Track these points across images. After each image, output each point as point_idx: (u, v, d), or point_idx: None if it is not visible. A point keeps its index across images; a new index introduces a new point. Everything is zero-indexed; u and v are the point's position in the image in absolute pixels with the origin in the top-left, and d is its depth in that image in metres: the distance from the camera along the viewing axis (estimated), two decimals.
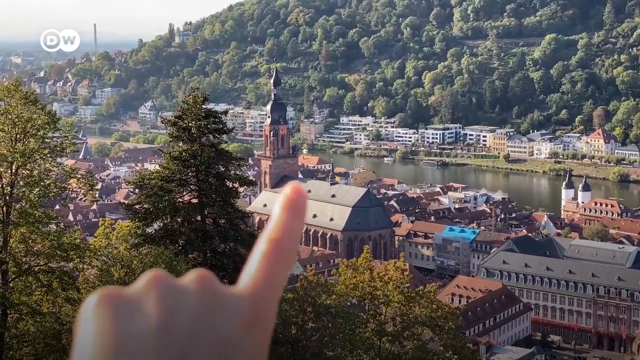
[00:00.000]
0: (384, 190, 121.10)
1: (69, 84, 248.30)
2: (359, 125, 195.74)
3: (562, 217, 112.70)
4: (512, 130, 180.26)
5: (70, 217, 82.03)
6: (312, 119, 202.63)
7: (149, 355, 0.67)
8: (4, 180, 20.20)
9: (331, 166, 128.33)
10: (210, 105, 29.36)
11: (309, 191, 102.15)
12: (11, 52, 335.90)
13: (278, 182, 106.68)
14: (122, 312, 0.70)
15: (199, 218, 26.80)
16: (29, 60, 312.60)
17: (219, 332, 0.73)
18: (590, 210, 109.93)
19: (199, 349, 0.71)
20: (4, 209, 20.06)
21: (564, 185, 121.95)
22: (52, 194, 21.10)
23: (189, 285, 0.75)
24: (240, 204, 37.84)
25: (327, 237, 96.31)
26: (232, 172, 27.90)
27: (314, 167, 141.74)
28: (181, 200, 27.00)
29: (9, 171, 20.22)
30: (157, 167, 28.97)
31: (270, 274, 0.79)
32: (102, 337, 0.67)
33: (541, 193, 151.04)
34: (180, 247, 26.41)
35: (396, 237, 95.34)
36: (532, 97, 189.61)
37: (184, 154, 26.45)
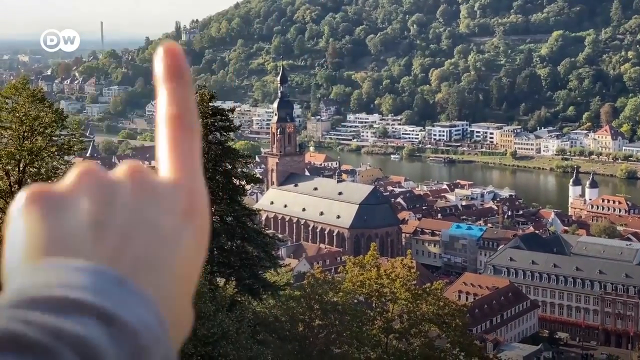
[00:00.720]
0: (391, 188, 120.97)
1: (76, 82, 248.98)
2: (365, 122, 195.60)
3: (569, 214, 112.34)
4: (519, 127, 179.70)
5: None
6: (318, 117, 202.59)
7: (83, 251, 0.63)
8: (11, 178, 20.27)
9: (338, 164, 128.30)
10: (217, 103, 29.41)
11: (316, 189, 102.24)
12: (18, 51, 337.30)
13: (285, 179, 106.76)
14: (52, 208, 0.65)
15: None
16: (36, 58, 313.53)
17: (156, 223, 0.68)
18: (597, 207, 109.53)
19: (135, 243, 0.66)
20: None
21: (571, 182, 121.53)
22: None
23: (121, 177, 0.70)
24: (247, 201, 37.86)
25: (334, 234, 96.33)
26: (239, 169, 27.93)
27: (321, 164, 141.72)
28: None
29: (17, 169, 20.29)
30: None
31: (187, 154, 0.73)
32: (32, 236, 0.63)
33: (548, 190, 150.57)
34: None
35: (403, 235, 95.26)
36: (539, 94, 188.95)
37: None
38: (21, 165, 20.31)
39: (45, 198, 0.66)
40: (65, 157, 21.84)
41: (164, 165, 0.73)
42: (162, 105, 0.74)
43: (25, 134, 20.65)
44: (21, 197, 0.66)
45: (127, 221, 0.67)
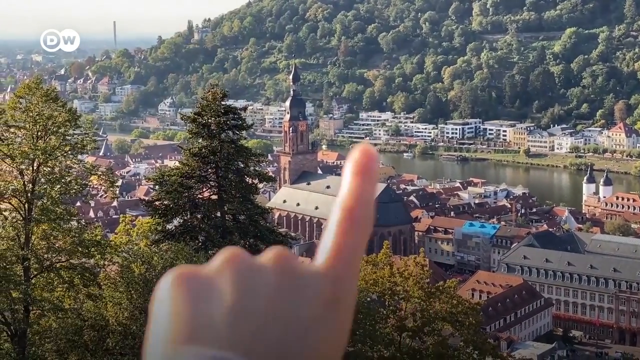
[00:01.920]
0: (404, 186, 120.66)
1: (89, 82, 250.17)
2: (378, 120, 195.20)
3: (583, 211, 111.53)
4: (533, 124, 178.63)
5: (91, 214, 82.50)
6: (331, 115, 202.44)
7: (223, 336, 0.65)
8: (25, 177, 20.36)
9: None
10: (230, 102, 29.46)
11: (328, 187, 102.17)
12: (32, 50, 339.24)
13: (297, 178, 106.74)
14: (197, 292, 0.67)
15: (218, 214, 26.86)
16: (50, 58, 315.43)
17: (297, 312, 0.69)
18: (611, 205, 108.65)
19: (275, 330, 0.67)
20: (26, 206, 20.24)
21: (585, 180, 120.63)
22: (73, 191, 21.27)
23: (266, 264, 0.72)
24: (260, 200, 37.84)
25: None
26: (252, 168, 27.91)
27: (333, 162, 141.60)
28: (201, 196, 27.08)
29: (31, 168, 20.38)
30: (177, 163, 29.10)
31: (348, 247, 0.73)
32: (176, 318, 0.65)
33: (562, 188, 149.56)
34: (200, 243, 26.46)
35: (416, 233, 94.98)
36: (553, 91, 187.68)
37: (203, 150, 26.50)
38: (35, 164, 20.41)
39: (192, 281, 0.68)
40: (79, 156, 21.94)
41: (322, 252, 0.74)
42: (341, 195, 0.75)
43: (39, 134, 20.74)
44: (168, 277, 0.68)
45: (267, 309, 0.67)
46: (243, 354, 0.64)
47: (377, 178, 0.77)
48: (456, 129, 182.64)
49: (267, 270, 0.70)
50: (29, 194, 20.22)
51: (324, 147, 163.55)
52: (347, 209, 0.74)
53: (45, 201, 20.45)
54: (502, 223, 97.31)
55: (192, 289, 0.67)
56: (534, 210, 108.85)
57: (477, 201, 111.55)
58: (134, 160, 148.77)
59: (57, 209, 20.40)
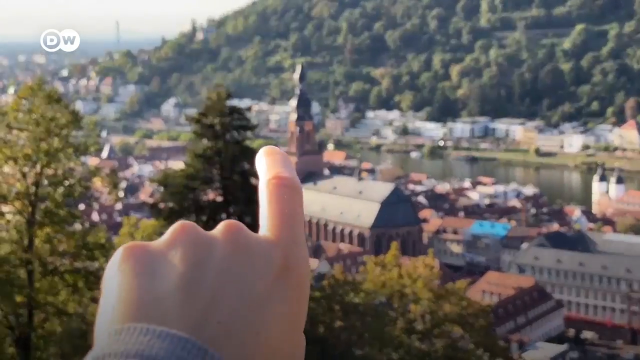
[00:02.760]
0: (412, 186, 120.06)
1: (92, 82, 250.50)
2: (385, 120, 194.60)
3: (594, 211, 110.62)
4: (542, 123, 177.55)
5: (95, 217, 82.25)
6: (337, 114, 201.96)
7: (173, 310, 0.63)
8: (28, 180, 20.11)
9: (358, 162, 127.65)
10: (234, 102, 29.06)
11: (335, 188, 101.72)
12: (34, 51, 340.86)
13: (304, 178, 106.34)
14: (145, 266, 0.65)
15: (224, 216, 26.49)
16: (52, 59, 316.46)
17: (249, 285, 0.66)
18: (623, 204, 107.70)
19: (227, 304, 0.64)
20: (29, 208, 19.98)
21: (596, 179, 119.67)
22: (77, 193, 20.98)
23: (217, 236, 0.69)
24: None
25: (355, 234, 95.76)
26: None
27: (341, 163, 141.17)
28: (206, 198, 26.74)
29: (34, 171, 20.13)
30: (182, 165, 28.77)
31: (287, 213, 0.72)
32: (125, 292, 0.64)
33: (572, 187, 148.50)
34: None
35: (425, 234, 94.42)
36: (563, 88, 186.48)
37: (208, 151, 26.16)
38: (38, 166, 20.14)
39: (140, 255, 0.66)
40: (82, 158, 21.67)
41: (264, 223, 0.72)
42: (262, 172, 0.75)
43: (42, 135, 20.45)
44: (118, 253, 0.67)
45: (217, 282, 0.65)
46: (192, 331, 0.62)
47: (286, 155, 0.77)
48: (465, 128, 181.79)
49: (217, 243, 0.68)
50: (32, 197, 19.97)
51: (330, 147, 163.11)
52: (274, 177, 0.74)
53: (48, 204, 20.22)
54: (513, 223, 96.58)
55: (140, 264, 0.66)
56: (545, 209, 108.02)
57: (486, 201, 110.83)
58: (137, 161, 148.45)
59: (60, 211, 20.16)
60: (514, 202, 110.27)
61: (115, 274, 0.66)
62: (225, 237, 0.69)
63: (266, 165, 0.75)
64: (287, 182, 0.74)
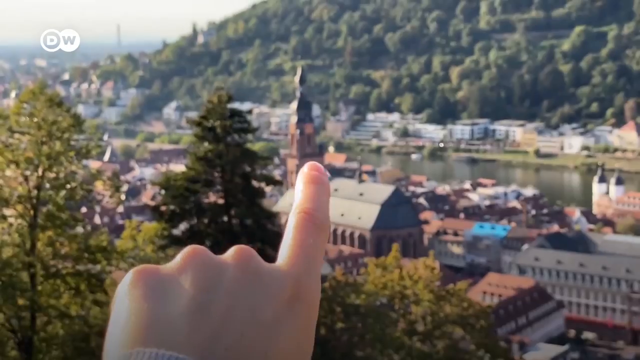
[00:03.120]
0: (413, 188, 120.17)
1: (93, 86, 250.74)
2: (385, 122, 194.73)
3: (594, 212, 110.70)
4: (542, 124, 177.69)
5: (97, 220, 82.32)
6: (338, 117, 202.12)
7: (181, 337, 0.63)
8: (30, 183, 20.20)
9: (358, 164, 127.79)
10: (235, 105, 29.15)
11: (336, 190, 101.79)
12: (35, 55, 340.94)
13: None
14: (156, 290, 0.65)
15: (225, 219, 26.59)
16: (53, 62, 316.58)
17: (258, 311, 0.66)
18: (623, 205, 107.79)
19: (236, 330, 0.65)
20: (31, 212, 20.08)
21: (596, 180, 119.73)
22: (79, 196, 21.08)
23: (227, 261, 0.70)
24: (267, 203, 37.59)
25: (355, 236, 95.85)
26: (258, 171, 27.62)
27: (341, 165, 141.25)
28: (207, 201, 26.83)
29: (35, 174, 20.22)
30: (183, 168, 28.89)
31: (307, 246, 0.73)
32: (134, 316, 0.64)
33: (572, 188, 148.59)
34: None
35: (425, 235, 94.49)
36: (562, 90, 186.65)
37: (209, 154, 26.26)
38: (39, 170, 20.23)
39: (151, 279, 0.66)
40: (84, 162, 21.77)
41: (282, 253, 0.73)
42: (297, 198, 0.77)
43: (44, 139, 20.55)
44: (129, 276, 0.67)
45: (226, 308, 0.65)
46: (200, 356, 0.62)
47: (329, 185, 0.80)
48: (465, 130, 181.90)
49: (228, 268, 0.69)
50: (34, 200, 20.06)
51: (331, 149, 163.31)
52: (304, 211, 0.75)
53: (50, 207, 20.30)
54: (513, 224, 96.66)
55: (151, 287, 0.66)
56: (545, 211, 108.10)
57: (487, 203, 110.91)
58: (139, 164, 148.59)
59: (62, 214, 20.24)
60: (514, 204, 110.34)
61: (125, 297, 0.66)
62: (235, 262, 0.69)
63: (303, 194, 0.78)
64: (316, 221, 0.75)
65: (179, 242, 25.20)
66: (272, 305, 0.67)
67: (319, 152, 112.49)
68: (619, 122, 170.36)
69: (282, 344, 0.66)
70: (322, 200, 0.77)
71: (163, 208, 26.62)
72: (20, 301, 19.21)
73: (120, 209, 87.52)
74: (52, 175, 20.64)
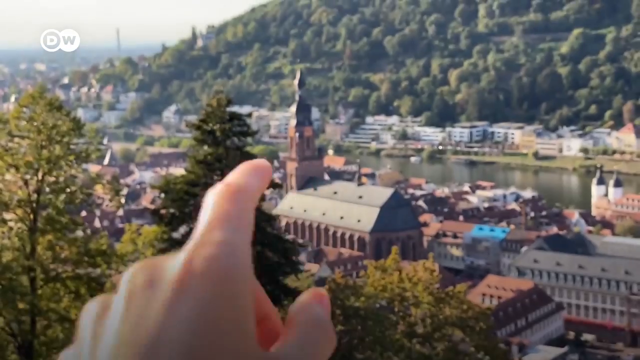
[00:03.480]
0: (412, 190, 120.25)
1: (92, 90, 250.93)
2: (384, 125, 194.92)
3: (593, 214, 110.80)
4: (541, 126, 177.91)
5: (97, 223, 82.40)
6: (337, 120, 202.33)
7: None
8: (30, 187, 20.23)
9: (357, 167, 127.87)
10: (235, 108, 29.19)
11: (335, 193, 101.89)
12: (35, 59, 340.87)
13: (304, 184, 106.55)
14: (94, 316, 0.63)
15: None
16: (53, 66, 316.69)
17: (148, 311, 0.59)
18: (622, 207, 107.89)
19: (138, 339, 0.58)
20: (31, 216, 20.11)
21: (594, 182, 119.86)
22: (78, 200, 21.10)
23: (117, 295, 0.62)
24: (267, 206, 37.70)
25: (355, 238, 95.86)
26: None
27: (340, 168, 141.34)
28: None
29: (35, 178, 20.25)
30: (183, 171, 28.95)
31: (231, 213, 0.66)
32: (80, 344, 0.63)
33: (571, 190, 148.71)
34: None
35: (425, 238, 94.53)
36: (561, 92, 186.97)
37: (208, 157, 26.31)
38: (39, 174, 20.26)
39: (94, 304, 0.64)
40: (83, 165, 21.80)
41: (202, 223, 0.65)
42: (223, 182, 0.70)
43: (43, 143, 20.59)
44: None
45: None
46: None
47: (262, 171, 0.73)
48: (464, 132, 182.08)
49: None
50: (34, 204, 20.08)
51: (330, 152, 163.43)
52: (227, 183, 0.69)
53: (50, 211, 20.33)
54: (512, 227, 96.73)
55: (92, 312, 0.63)
56: (544, 213, 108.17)
57: (486, 205, 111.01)
58: (139, 168, 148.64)
59: (62, 218, 20.27)
60: (513, 206, 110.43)
61: (85, 316, 0.64)
62: (122, 294, 0.62)
63: (236, 170, 0.72)
64: (240, 194, 0.69)
65: (179, 245, 25.13)
66: (158, 298, 0.60)
67: (318, 155, 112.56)
68: (618, 124, 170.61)
69: (172, 330, 0.58)
70: (245, 174, 0.70)
71: (163, 211, 26.66)
72: (21, 305, 19.23)
73: (120, 212, 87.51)
74: (52, 179, 20.67)
